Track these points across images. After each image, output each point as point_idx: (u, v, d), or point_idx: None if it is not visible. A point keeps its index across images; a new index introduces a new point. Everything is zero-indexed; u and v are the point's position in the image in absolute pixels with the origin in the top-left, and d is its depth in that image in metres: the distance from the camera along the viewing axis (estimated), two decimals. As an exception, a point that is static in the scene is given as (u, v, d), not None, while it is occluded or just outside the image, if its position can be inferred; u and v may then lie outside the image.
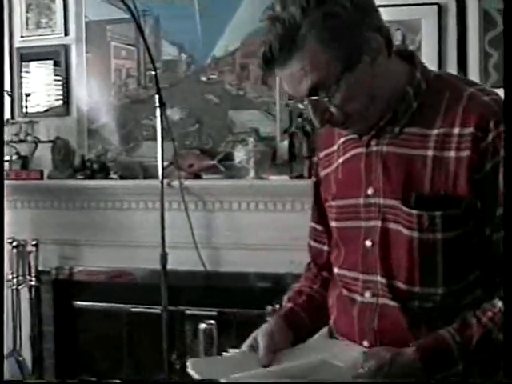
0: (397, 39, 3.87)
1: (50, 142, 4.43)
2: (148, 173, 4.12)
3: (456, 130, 1.67)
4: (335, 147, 1.93)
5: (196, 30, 4.20)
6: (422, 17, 3.85)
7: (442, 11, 3.84)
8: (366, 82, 1.69)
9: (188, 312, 4.15)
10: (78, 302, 4.51)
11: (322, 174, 1.99)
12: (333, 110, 1.68)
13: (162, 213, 3.80)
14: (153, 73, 3.79)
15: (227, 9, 4.13)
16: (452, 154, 1.67)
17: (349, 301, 1.85)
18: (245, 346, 1.91)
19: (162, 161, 3.81)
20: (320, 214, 2.05)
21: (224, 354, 1.93)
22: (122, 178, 4.23)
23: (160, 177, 3.81)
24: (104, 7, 4.26)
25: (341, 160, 1.89)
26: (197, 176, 4.05)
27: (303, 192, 3.76)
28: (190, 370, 1.76)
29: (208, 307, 4.09)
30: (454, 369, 1.63)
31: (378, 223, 1.77)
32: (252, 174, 3.95)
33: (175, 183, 3.94)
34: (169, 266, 3.83)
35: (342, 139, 1.89)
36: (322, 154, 2.00)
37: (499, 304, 1.64)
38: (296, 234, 3.39)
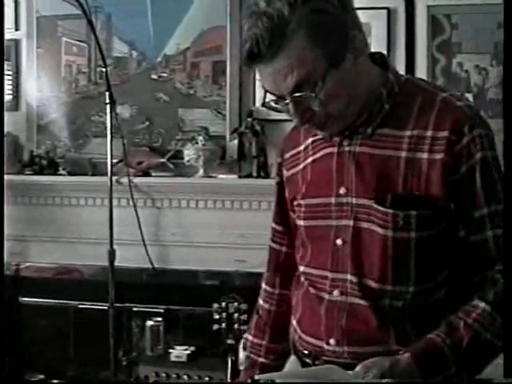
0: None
1: (-1, 136, 4.34)
2: (97, 169, 4.09)
3: (429, 133, 1.68)
4: (302, 147, 1.92)
5: (148, 28, 4.17)
6: (371, 20, 3.83)
7: (391, 15, 3.86)
8: (349, 80, 1.67)
9: (135, 309, 4.13)
10: (25, 299, 4.46)
11: (288, 174, 1.97)
12: (315, 108, 1.65)
13: (111, 210, 3.78)
14: (103, 69, 3.75)
15: (179, 8, 4.11)
16: (425, 155, 1.68)
17: (316, 299, 1.83)
18: None
19: (112, 158, 3.78)
20: (282, 214, 2.05)
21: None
22: (70, 174, 4.21)
23: (109, 173, 3.78)
24: (55, 2, 4.20)
25: (310, 160, 1.88)
26: (146, 173, 4.04)
27: (252, 191, 3.78)
28: None
29: (155, 304, 4.08)
30: (447, 372, 1.64)
31: (350, 222, 1.76)
32: (201, 172, 3.94)
33: (124, 180, 3.92)
34: (116, 263, 3.82)
35: (311, 139, 1.89)
36: (287, 155, 1.98)
37: (481, 305, 1.66)
38: (243, 232, 3.40)
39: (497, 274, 1.68)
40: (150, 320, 3.90)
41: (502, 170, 1.71)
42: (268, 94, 1.72)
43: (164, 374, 3.74)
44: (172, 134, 4.17)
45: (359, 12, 3.64)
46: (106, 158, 3.79)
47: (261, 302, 2.13)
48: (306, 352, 1.85)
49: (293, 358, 1.96)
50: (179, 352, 3.75)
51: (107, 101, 3.74)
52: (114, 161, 3.82)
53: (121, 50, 4.25)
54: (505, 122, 3.38)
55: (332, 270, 1.79)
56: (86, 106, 4.31)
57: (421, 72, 3.82)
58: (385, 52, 3.61)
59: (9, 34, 4.43)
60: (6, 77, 4.44)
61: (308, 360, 1.84)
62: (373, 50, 3.65)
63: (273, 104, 1.73)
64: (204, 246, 3.94)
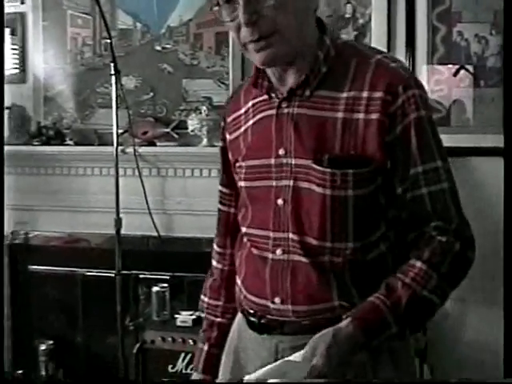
0: (347, 12, 3.83)
1: (7, 108, 4.33)
2: (103, 140, 4.06)
3: (365, 94, 1.70)
4: (242, 111, 1.92)
5: (151, 0, 4.12)
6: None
7: (391, -14, 3.78)
8: (300, 12, 1.69)
9: (141, 276, 4.14)
10: (34, 266, 4.45)
11: (230, 137, 1.97)
12: (265, 10, 1.64)
13: (117, 179, 3.77)
14: (108, 41, 3.75)
15: (183, -21, 4.05)
16: (361, 116, 1.69)
17: (259, 259, 1.84)
18: None
19: (117, 128, 3.77)
20: (228, 177, 2.04)
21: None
22: (77, 144, 4.18)
23: (115, 144, 3.76)
24: (60, -24, 4.09)
25: (250, 122, 1.88)
26: (151, 143, 4.03)
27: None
28: None
29: (161, 271, 4.08)
30: (389, 331, 1.65)
31: (290, 182, 1.76)
32: (205, 141, 3.92)
33: (130, 150, 3.91)
34: (123, 231, 3.82)
35: (251, 102, 1.89)
36: (229, 119, 1.98)
37: (417, 264, 1.66)
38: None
39: (433, 231, 1.70)
40: (156, 286, 3.89)
41: (437, 130, 1.76)
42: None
43: (170, 339, 3.71)
44: (176, 105, 4.14)
45: None
46: (112, 129, 3.77)
47: (214, 263, 2.14)
48: (251, 311, 1.87)
49: (239, 316, 1.98)
50: (184, 317, 3.73)
51: (112, 72, 3.72)
52: (120, 131, 3.81)
53: (125, 22, 4.21)
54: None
55: (274, 229, 1.80)
56: (92, 78, 4.27)
57: (421, 41, 3.79)
58: (385, 21, 3.64)
59: (14, 8, 4.42)
60: (12, 50, 4.39)
61: (254, 319, 1.87)
62: (373, 20, 3.66)
63: (217, 8, 1.73)
64: (208, 215, 3.84)
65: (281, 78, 1.77)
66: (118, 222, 3.77)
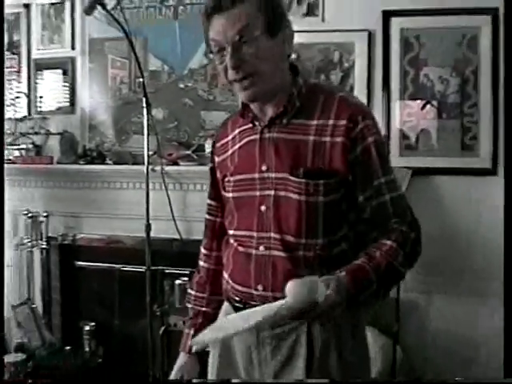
0: (335, 58, 3.86)
1: (59, 134, 4.40)
2: (136, 160, 4.08)
3: (331, 122, 1.78)
4: (230, 137, 1.98)
5: (176, 47, 4.18)
6: (355, 40, 3.84)
7: (371, 36, 3.83)
8: (276, 55, 1.78)
9: (166, 271, 4.14)
10: (80, 262, 4.49)
11: (219, 159, 2.02)
12: (248, 56, 1.71)
13: (147, 192, 3.77)
14: (141, 80, 3.74)
15: (201, 32, 4.03)
16: (328, 139, 1.77)
17: (244, 255, 1.88)
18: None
19: (148, 150, 3.77)
20: (215, 193, 2.09)
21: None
22: (115, 163, 4.19)
23: (146, 163, 3.77)
24: (103, 27, 4.22)
25: (237, 146, 1.94)
26: (175, 163, 4.02)
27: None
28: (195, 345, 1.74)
29: (182, 267, 4.04)
30: (371, 289, 1.71)
31: (271, 192, 1.83)
32: (219, 162, 3.88)
33: (158, 168, 3.90)
34: (152, 235, 3.81)
35: (237, 130, 1.95)
36: (218, 145, 2.04)
37: (388, 242, 1.74)
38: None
39: (394, 225, 1.79)
40: (179, 280, 3.89)
41: (386, 149, 1.93)
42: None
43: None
44: (196, 132, 4.16)
45: (346, 33, 3.70)
46: (143, 151, 3.77)
47: (201, 263, 2.19)
48: (237, 299, 1.90)
49: (226, 304, 2.01)
50: (201, 305, 3.73)
51: (144, 105, 3.72)
52: (150, 153, 3.80)
53: (155, 65, 4.24)
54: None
55: (258, 230, 1.85)
56: (127, 110, 4.30)
57: (395, 81, 3.81)
58: (366, 65, 3.68)
59: (66, 53, 4.46)
60: (64, 87, 4.44)
61: (239, 305, 1.90)
62: (356, 65, 3.69)
63: (212, 55, 1.81)
64: None
65: (262, 111, 1.86)
66: (148, 227, 3.75)
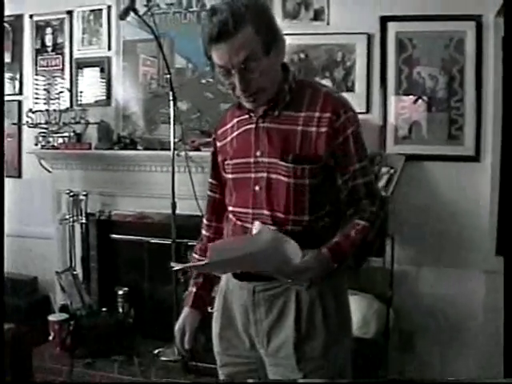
0: (338, 57, 3.83)
1: (97, 123, 4.42)
2: (163, 146, 4.08)
3: (317, 114, 1.80)
4: (229, 126, 2.00)
5: (199, 48, 4.03)
6: (356, 42, 3.85)
7: (370, 39, 3.83)
8: (274, 67, 1.80)
9: (189, 243, 4.07)
10: (114, 235, 4.51)
11: (219, 144, 2.04)
12: (253, 78, 1.73)
13: (173, 174, 3.76)
14: (168, 76, 3.74)
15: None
16: (314, 129, 1.80)
17: (242, 228, 1.91)
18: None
19: (174, 138, 3.77)
20: (215, 173, 2.11)
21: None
22: (145, 149, 4.21)
23: (172, 149, 3.77)
24: (136, 30, 4.20)
25: (235, 133, 1.96)
26: (197, 149, 4.02)
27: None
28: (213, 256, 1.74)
29: None
30: (346, 261, 1.87)
31: (264, 175, 1.87)
32: (235, 148, 3.87)
33: (182, 154, 3.88)
34: (177, 211, 3.81)
35: (235, 120, 1.97)
36: (218, 132, 2.06)
37: (362, 222, 1.86)
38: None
39: (366, 205, 1.88)
40: (200, 250, 3.87)
41: (363, 139, 1.87)
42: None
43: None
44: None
45: (348, 36, 3.68)
46: (170, 138, 3.77)
47: (203, 232, 2.22)
48: None
49: None
50: (219, 272, 3.73)
51: (170, 98, 3.71)
52: (175, 140, 3.80)
53: (180, 63, 4.25)
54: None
55: (253, 207, 1.89)
56: (156, 102, 4.30)
57: (391, 78, 3.81)
58: (365, 64, 3.66)
59: (103, 53, 4.49)
60: (101, 83, 4.45)
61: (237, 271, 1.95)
62: (357, 63, 3.67)
63: (220, 77, 1.81)
64: None
65: None
66: (174, 205, 3.75)
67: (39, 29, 4.65)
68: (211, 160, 2.12)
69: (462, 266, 3.71)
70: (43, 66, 4.66)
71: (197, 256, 2.18)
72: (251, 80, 1.74)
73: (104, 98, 4.49)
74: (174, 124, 3.73)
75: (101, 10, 4.45)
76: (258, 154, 1.87)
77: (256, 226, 1.79)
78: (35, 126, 4.46)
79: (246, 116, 1.91)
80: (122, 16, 3.67)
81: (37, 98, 4.66)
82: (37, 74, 4.68)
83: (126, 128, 4.38)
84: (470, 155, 3.67)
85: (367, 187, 1.89)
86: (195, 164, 3.97)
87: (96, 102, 4.51)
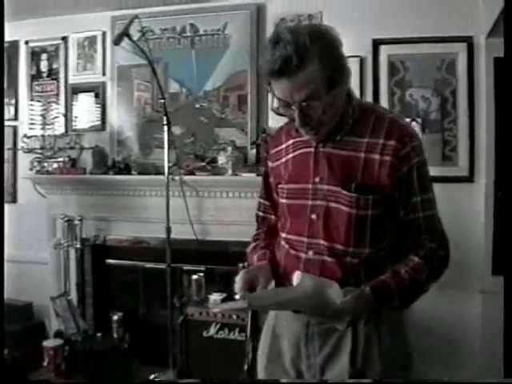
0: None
1: (91, 148, 4.39)
2: (158, 170, 4.04)
3: (381, 141, 1.70)
4: (283, 146, 1.90)
5: (193, 72, 4.17)
6: (349, 64, 3.75)
7: (362, 61, 3.81)
8: (339, 100, 1.69)
9: (185, 267, 4.11)
10: (109, 260, 4.47)
11: (273, 165, 1.94)
12: (315, 115, 1.65)
13: (168, 198, 3.74)
14: (162, 101, 3.71)
15: (215, 58, 4.10)
16: (377, 156, 1.69)
17: (295, 258, 1.81)
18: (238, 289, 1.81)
19: (168, 162, 3.73)
20: (268, 193, 2.02)
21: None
22: (139, 174, 4.17)
23: (166, 173, 3.73)
24: (130, 56, 4.13)
25: (291, 155, 1.86)
26: (192, 173, 3.99)
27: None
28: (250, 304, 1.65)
29: (198, 264, 4.06)
30: (393, 301, 1.68)
31: (323, 203, 1.75)
32: (230, 172, 3.89)
33: (177, 178, 3.87)
34: (172, 236, 3.76)
35: (291, 141, 1.87)
36: (272, 151, 1.97)
37: (415, 259, 1.70)
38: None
39: (424, 240, 1.74)
40: (195, 275, 3.88)
41: (428, 170, 1.76)
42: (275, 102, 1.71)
43: (205, 313, 3.67)
44: (210, 146, 4.13)
45: None
46: (164, 163, 3.73)
47: (263, 236, 2.04)
48: None
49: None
50: (215, 297, 3.73)
51: (165, 123, 3.68)
52: (170, 164, 3.77)
53: (174, 88, 4.22)
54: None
55: (308, 236, 1.79)
56: (151, 127, 4.27)
57: (383, 100, 3.78)
58: (358, 87, 3.64)
59: (98, 78, 4.47)
60: (96, 108, 4.41)
61: None
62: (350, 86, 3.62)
63: (280, 110, 1.70)
64: (232, 224, 3.94)
65: None
66: (168, 229, 3.72)
67: (34, 55, 4.64)
68: (263, 180, 2.03)
69: (459, 286, 3.64)
70: (38, 92, 4.64)
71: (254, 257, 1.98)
72: (311, 116, 1.65)
73: (99, 123, 4.45)
74: (169, 148, 3.71)
75: (95, 36, 4.44)
76: (317, 180, 1.77)
77: (297, 276, 1.69)
78: (30, 151, 4.42)
79: (304, 138, 1.81)
80: (117, 41, 3.63)
81: (32, 124, 4.62)
82: (32, 100, 4.65)
83: (121, 153, 4.34)
84: (464, 176, 3.62)
85: (428, 222, 1.74)
86: (190, 188, 3.94)
87: (91, 127, 4.47)
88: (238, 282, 1.80)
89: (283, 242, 1.88)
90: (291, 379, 1.86)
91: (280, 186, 1.88)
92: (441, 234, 1.78)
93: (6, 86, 4.66)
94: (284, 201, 1.86)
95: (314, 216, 1.77)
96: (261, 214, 2.08)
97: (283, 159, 1.89)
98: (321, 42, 1.59)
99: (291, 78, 1.59)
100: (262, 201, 2.07)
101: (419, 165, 1.71)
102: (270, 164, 1.97)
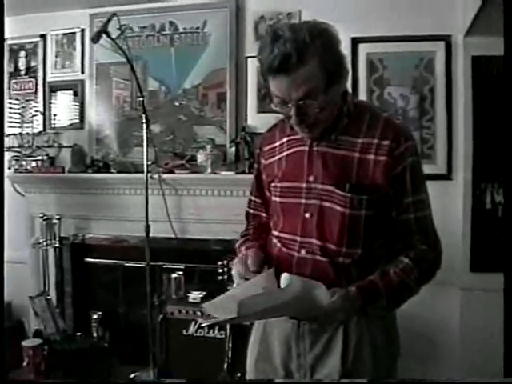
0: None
1: (70, 147, 4.33)
2: (137, 169, 4.00)
3: (375, 141, 1.67)
4: (277, 144, 1.88)
5: (172, 70, 4.12)
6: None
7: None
8: (334, 99, 1.68)
9: (164, 266, 4.07)
10: (88, 259, 4.42)
11: (265, 162, 1.93)
12: (312, 113, 1.62)
13: (147, 197, 3.70)
14: (141, 99, 3.67)
15: (194, 56, 4.06)
16: (372, 157, 1.68)
17: (287, 256, 1.79)
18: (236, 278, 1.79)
19: (147, 160, 3.71)
20: (259, 191, 2.00)
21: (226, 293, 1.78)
22: (118, 172, 4.13)
23: (145, 172, 3.71)
24: (108, 54, 4.08)
25: (285, 154, 1.84)
26: (171, 171, 3.96)
27: (244, 183, 3.67)
28: (208, 311, 1.67)
29: (178, 263, 4.02)
30: (380, 303, 1.66)
31: (317, 202, 1.73)
32: (209, 170, 3.86)
33: (156, 176, 3.85)
34: (151, 234, 3.74)
35: (286, 138, 1.85)
36: (265, 149, 1.94)
37: (405, 260, 1.68)
38: (238, 212, 3.28)
39: (416, 242, 1.72)
40: (174, 273, 3.84)
41: (422, 170, 1.75)
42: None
43: (184, 311, 3.64)
44: (189, 144, 4.08)
45: None
46: (143, 161, 3.71)
47: (251, 230, 2.01)
48: None
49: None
50: (194, 295, 3.69)
51: (144, 121, 3.66)
52: (149, 163, 3.75)
53: (153, 86, 4.17)
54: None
55: (301, 235, 1.76)
56: (129, 125, 4.22)
57: (362, 98, 3.70)
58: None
59: (76, 76, 4.41)
60: (74, 106, 4.37)
61: None
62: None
63: (274, 107, 1.67)
64: (211, 222, 3.92)
65: None
66: (148, 228, 3.69)
67: (12, 52, 4.56)
68: (255, 177, 2.00)
69: (438, 283, 3.62)
70: (16, 90, 4.56)
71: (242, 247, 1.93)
72: (308, 114, 1.63)
73: (77, 121, 4.39)
74: (148, 147, 3.68)
75: (74, 33, 4.37)
76: (311, 179, 1.74)
77: (285, 277, 1.64)
78: (8, 149, 4.34)
79: (298, 136, 1.78)
80: (95, 39, 3.60)
81: (10, 122, 4.54)
82: (10, 98, 4.58)
83: (100, 151, 4.28)
84: (442, 173, 3.61)
85: (419, 223, 1.72)
86: (169, 186, 3.91)
87: (69, 125, 4.41)
88: (235, 266, 1.79)
89: (275, 240, 1.86)
90: (280, 378, 1.83)
91: (273, 184, 1.86)
92: (433, 235, 1.77)
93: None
94: (277, 199, 1.84)
95: (307, 215, 1.75)
96: (251, 211, 2.04)
97: (277, 157, 1.86)
98: (320, 40, 1.57)
99: (290, 76, 1.56)
100: (252, 198, 2.03)
101: (413, 165, 1.69)
102: (262, 161, 1.94)
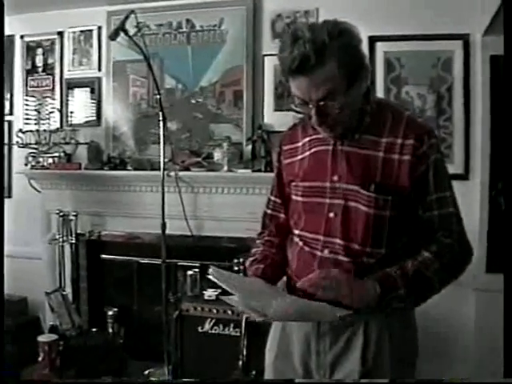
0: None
1: (87, 144, 4.35)
2: (153, 166, 4.02)
3: (399, 140, 1.66)
4: (300, 144, 1.85)
5: (189, 68, 4.13)
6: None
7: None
8: (357, 98, 1.66)
9: (179, 263, 4.10)
10: (104, 256, 4.45)
11: (286, 161, 1.89)
12: (332, 113, 1.61)
13: (163, 194, 3.70)
14: (158, 97, 3.65)
15: (211, 54, 4.07)
16: (396, 156, 1.66)
17: (309, 255, 1.77)
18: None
19: (163, 158, 3.70)
20: (280, 190, 1.95)
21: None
22: (135, 169, 4.14)
23: (162, 169, 3.70)
24: (126, 51, 4.10)
25: (307, 153, 1.81)
26: (187, 169, 3.97)
27: (260, 181, 3.71)
28: (211, 276, 1.66)
29: (193, 260, 4.03)
30: (398, 294, 1.62)
31: (341, 201, 1.71)
32: (225, 168, 3.86)
33: (172, 174, 3.84)
34: (167, 231, 3.73)
35: (308, 138, 1.83)
36: (286, 148, 1.91)
37: (425, 253, 1.66)
38: (253, 210, 3.30)
39: (439, 237, 1.68)
40: (190, 271, 3.85)
41: (446, 167, 1.72)
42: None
43: (199, 308, 3.62)
44: (205, 141, 4.09)
45: None
46: (160, 158, 3.70)
47: (260, 247, 1.95)
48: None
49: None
50: (210, 293, 3.67)
51: (160, 118, 3.64)
52: (165, 160, 3.73)
53: (170, 83, 4.18)
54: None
55: (324, 234, 1.74)
56: (146, 123, 4.23)
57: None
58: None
59: (94, 73, 4.43)
60: (91, 103, 4.39)
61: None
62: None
63: (295, 107, 1.66)
64: (227, 220, 3.92)
65: None
66: (164, 225, 3.68)
67: (30, 49, 4.58)
68: (276, 176, 1.97)
69: (453, 283, 3.62)
70: (33, 87, 4.58)
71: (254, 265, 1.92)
72: (328, 115, 1.61)
73: (94, 118, 4.41)
74: (164, 144, 3.67)
75: (91, 30, 4.39)
76: (335, 178, 1.72)
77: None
78: (25, 146, 4.37)
79: (320, 136, 1.77)
80: (113, 37, 3.60)
81: (27, 119, 4.56)
82: (27, 95, 4.60)
83: (116, 148, 4.30)
84: (459, 173, 3.58)
85: (443, 220, 1.69)
86: (185, 184, 3.91)
87: (86, 122, 4.42)
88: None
89: (297, 239, 1.83)
90: (299, 377, 1.81)
91: (294, 183, 1.83)
92: (458, 232, 1.72)
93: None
94: (299, 198, 1.82)
95: (331, 214, 1.73)
96: (269, 211, 2.00)
97: (298, 156, 1.84)
98: (340, 41, 1.55)
99: (309, 77, 1.55)
100: (272, 198, 2.00)
101: (436, 162, 1.67)
102: (283, 160, 1.91)
